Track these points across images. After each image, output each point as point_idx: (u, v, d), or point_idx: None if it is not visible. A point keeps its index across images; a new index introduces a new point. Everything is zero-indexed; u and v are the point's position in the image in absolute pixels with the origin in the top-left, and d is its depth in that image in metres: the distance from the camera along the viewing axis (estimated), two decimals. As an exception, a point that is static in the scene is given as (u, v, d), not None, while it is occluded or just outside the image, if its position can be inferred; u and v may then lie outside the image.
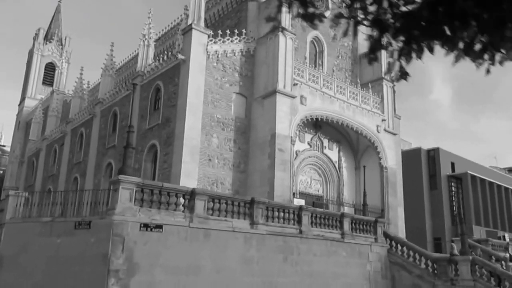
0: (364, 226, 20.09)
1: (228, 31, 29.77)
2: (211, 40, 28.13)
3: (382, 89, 35.08)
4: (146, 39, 33.21)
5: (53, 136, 46.66)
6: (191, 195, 14.27)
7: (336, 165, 33.62)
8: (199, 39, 27.38)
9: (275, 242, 15.97)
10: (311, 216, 17.80)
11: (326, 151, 33.14)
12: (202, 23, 27.92)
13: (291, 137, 27.69)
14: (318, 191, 32.71)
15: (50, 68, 69.85)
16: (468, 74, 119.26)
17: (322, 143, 32.96)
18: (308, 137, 32.23)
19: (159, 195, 13.59)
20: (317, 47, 35.22)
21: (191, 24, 27.30)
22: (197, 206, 14.16)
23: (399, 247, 20.59)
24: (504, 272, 18.19)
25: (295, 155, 30.65)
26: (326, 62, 34.79)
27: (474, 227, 49.18)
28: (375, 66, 36.23)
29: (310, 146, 32.11)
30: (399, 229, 35.86)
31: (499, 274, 17.89)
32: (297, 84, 28.67)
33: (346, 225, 18.87)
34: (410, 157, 49.94)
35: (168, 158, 26.71)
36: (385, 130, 34.11)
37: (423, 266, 19.53)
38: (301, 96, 28.83)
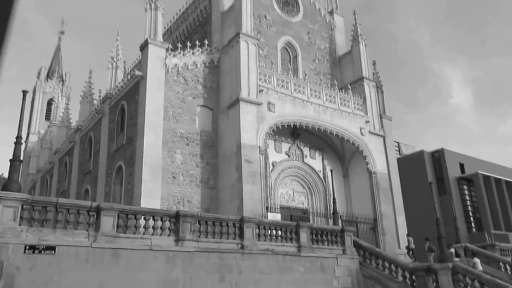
0: (329, 236, 17.94)
1: (189, 43, 28.62)
2: (170, 54, 26.95)
3: (363, 90, 33.10)
4: (114, 61, 32.41)
5: (45, 168, 46.19)
6: (97, 211, 12.68)
7: (321, 175, 31.55)
8: (157, 53, 26.23)
9: (207, 260, 14.09)
10: (258, 228, 15.88)
11: (307, 160, 31.17)
12: (160, 38, 26.83)
13: (260, 146, 25.94)
14: (303, 203, 30.65)
15: (51, 104, 70.97)
16: (487, 75, 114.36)
17: (302, 152, 31.04)
18: (285, 146, 30.41)
19: (56, 212, 12.06)
20: (290, 52, 33.72)
21: (147, 39, 26.20)
22: (103, 223, 12.53)
23: (373, 259, 18.26)
24: (490, 280, 15.72)
25: (271, 166, 28.94)
26: (300, 67, 33.18)
27: (493, 232, 45.77)
28: (355, 66, 34.47)
29: (289, 156, 30.23)
30: (401, 240, 33.33)
31: (484, 282, 15.45)
32: (262, 90, 27.06)
33: (304, 236, 16.78)
34: (412, 162, 47.38)
35: (132, 178, 25.31)
36: (370, 132, 32.00)
37: (400, 278, 17.17)
38: (269, 103, 27.18)
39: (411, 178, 46.42)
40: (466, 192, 46.36)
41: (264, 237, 16.00)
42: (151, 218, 13.76)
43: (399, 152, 49.98)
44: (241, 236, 15.21)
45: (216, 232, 14.81)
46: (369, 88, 33.47)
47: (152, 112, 25.12)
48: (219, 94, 28.18)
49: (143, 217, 13.63)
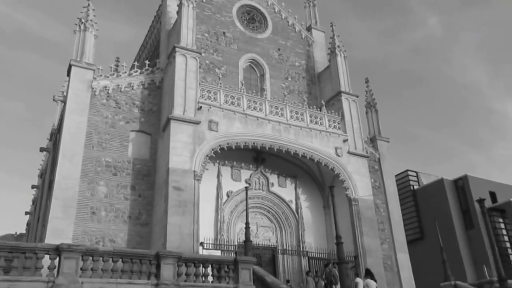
0: (215, 270, 13.21)
1: (124, 64, 25.87)
2: (100, 76, 24.16)
3: (341, 105, 28.45)
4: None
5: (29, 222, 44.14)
6: None
7: (292, 206, 26.60)
8: (81, 76, 23.49)
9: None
10: (93, 260, 11.59)
11: (274, 189, 26.49)
12: (88, 59, 24.14)
13: (195, 171, 21.81)
14: (270, 240, 25.67)
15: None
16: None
17: (267, 180, 26.46)
18: (246, 174, 26.02)
19: None
20: (257, 70, 30.06)
21: (70, 61, 23.66)
22: None
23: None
24: None
25: (224, 197, 24.60)
26: (268, 85, 29.27)
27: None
28: (333, 81, 30.11)
29: (249, 185, 25.66)
30: (403, 281, 27.24)
31: None
32: (201, 107, 23.32)
33: (168, 270, 12.21)
34: (432, 192, 40.80)
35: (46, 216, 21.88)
36: (349, 152, 26.95)
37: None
38: (210, 121, 23.31)
39: (431, 211, 39.77)
40: (499, 225, 38.72)
41: (102, 272, 11.61)
42: None
43: (418, 183, 43.51)
44: (59, 270, 10.96)
45: (17, 267, 10.68)
46: (348, 103, 28.77)
47: (70, 139, 21.96)
48: (160, 118, 24.76)
49: None
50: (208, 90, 24.40)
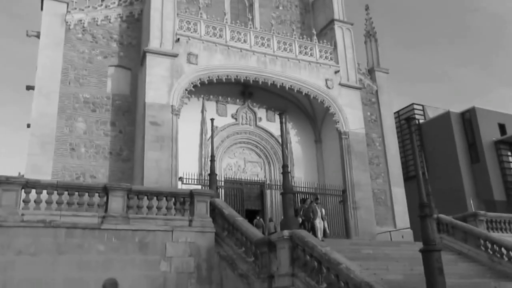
0: (170, 203, 12.82)
1: (102, -4, 24.57)
2: (74, 9, 23.09)
3: (334, 34, 26.83)
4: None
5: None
6: None
7: (281, 140, 25.89)
8: (54, 9, 22.45)
9: None
10: (36, 192, 11.34)
11: (262, 123, 25.77)
12: (62, -9, 22.98)
13: (172, 105, 21.17)
14: (258, 175, 25.33)
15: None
16: None
17: (255, 114, 25.69)
18: (232, 108, 25.27)
19: None
20: (246, 0, 28.34)
21: (43, -7, 22.56)
22: None
23: (235, 232, 12.72)
24: (326, 255, 9.40)
25: (210, 132, 24.00)
26: (257, 15, 27.67)
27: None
28: (327, 9, 28.26)
29: (236, 120, 25.04)
30: (397, 217, 27.00)
31: (318, 258, 9.39)
32: (179, 39, 22.20)
33: (117, 202, 11.84)
34: (437, 126, 39.40)
35: (28, 155, 21.81)
36: (340, 84, 25.71)
37: (251, 258, 11.65)
38: (189, 54, 22.27)
39: (437, 145, 38.63)
40: (506, 158, 37.43)
41: (46, 205, 11.38)
42: None
43: (424, 117, 42.00)
44: (-3, 204, 10.73)
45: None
46: (342, 32, 27.08)
47: (45, 76, 21.37)
48: (140, 52, 23.81)
49: None
50: (188, 21, 23.13)
